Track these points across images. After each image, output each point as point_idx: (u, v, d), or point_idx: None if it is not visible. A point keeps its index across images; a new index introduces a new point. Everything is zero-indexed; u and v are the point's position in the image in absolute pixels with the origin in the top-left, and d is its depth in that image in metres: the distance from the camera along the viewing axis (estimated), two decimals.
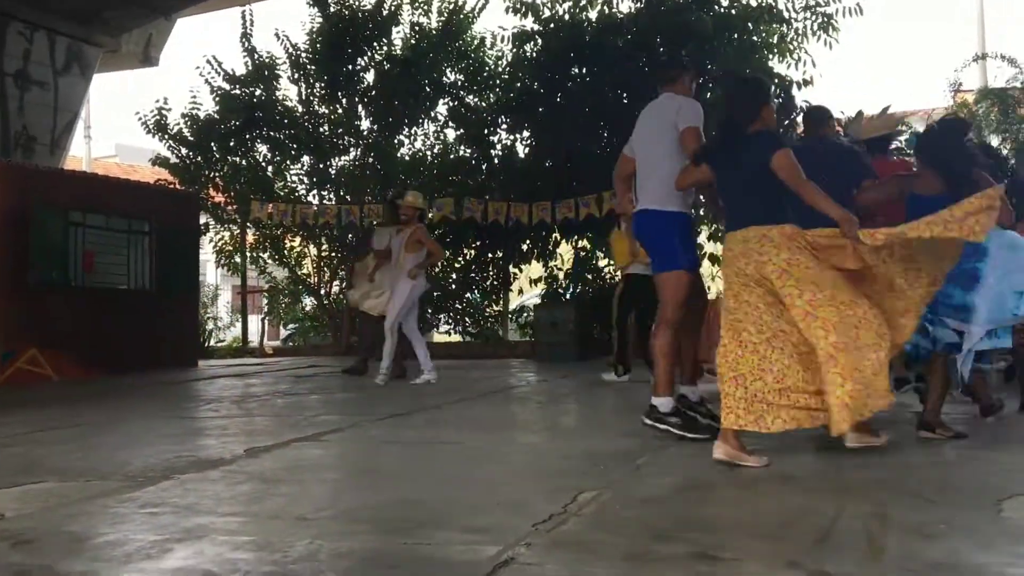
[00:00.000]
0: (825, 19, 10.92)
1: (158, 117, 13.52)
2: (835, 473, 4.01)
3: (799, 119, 11.09)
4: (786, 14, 11.07)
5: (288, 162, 14.11)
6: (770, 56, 11.09)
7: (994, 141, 10.62)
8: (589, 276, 12.44)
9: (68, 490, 3.88)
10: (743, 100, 4.39)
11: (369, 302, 8.83)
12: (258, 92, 13.56)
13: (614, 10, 11.90)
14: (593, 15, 11.87)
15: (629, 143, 5.12)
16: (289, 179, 14.31)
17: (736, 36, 10.90)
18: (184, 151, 13.71)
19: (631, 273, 8.06)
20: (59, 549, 2.92)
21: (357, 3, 13.32)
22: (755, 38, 11.02)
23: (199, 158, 13.74)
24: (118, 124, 47.12)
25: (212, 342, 15.79)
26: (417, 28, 13.46)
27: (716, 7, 11.07)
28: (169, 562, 2.76)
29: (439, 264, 11.96)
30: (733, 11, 11.04)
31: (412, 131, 13.86)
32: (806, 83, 10.95)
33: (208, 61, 13.47)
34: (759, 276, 4.09)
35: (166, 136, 13.59)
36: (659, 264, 4.93)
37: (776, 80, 10.91)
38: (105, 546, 2.97)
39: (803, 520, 3.14)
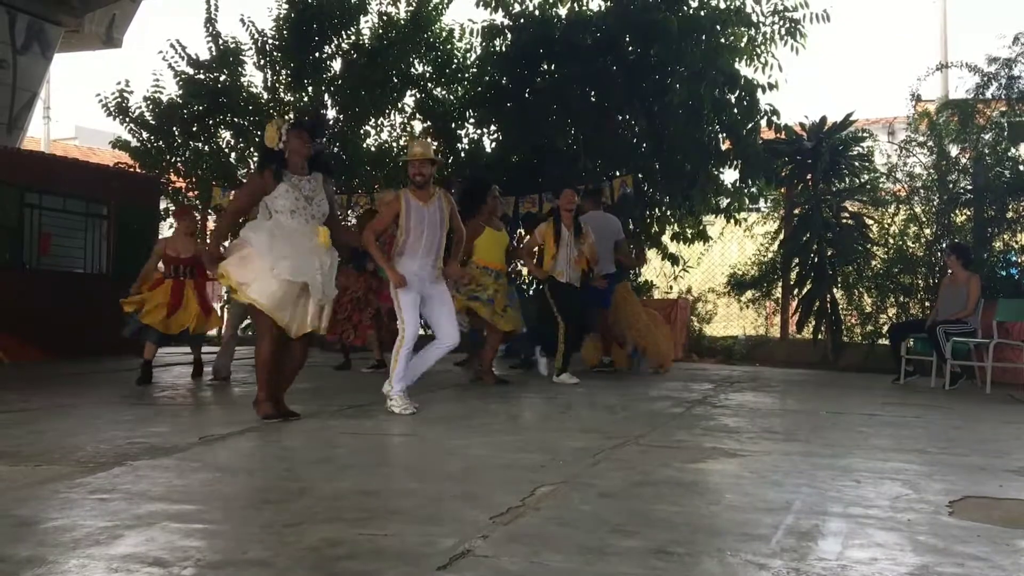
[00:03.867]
0: (792, 24, 11.02)
1: (119, 100, 13.27)
2: (788, 468, 4.06)
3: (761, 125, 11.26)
4: (754, 18, 11.15)
5: (252, 149, 13.94)
6: (736, 59, 11.17)
7: (953, 151, 10.80)
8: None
9: (16, 474, 3.80)
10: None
11: None
12: (222, 77, 13.38)
13: (583, 8, 11.92)
14: (563, 12, 11.86)
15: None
16: (252, 165, 14.15)
17: (704, 37, 10.96)
18: (145, 135, 13.47)
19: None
20: (5, 534, 2.85)
21: None
22: (722, 40, 11.08)
23: (160, 142, 13.51)
24: (79, 106, 46.14)
25: None
26: (385, 18, 13.36)
27: (684, 8, 11.12)
28: (119, 548, 2.71)
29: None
30: (702, 12, 11.10)
31: (379, 122, 13.75)
32: (771, 87, 11.04)
33: (172, 45, 13.23)
34: None
35: (127, 119, 13.34)
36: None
37: (743, 83, 10.98)
38: (53, 531, 2.91)
39: (760, 516, 3.17)
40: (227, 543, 2.79)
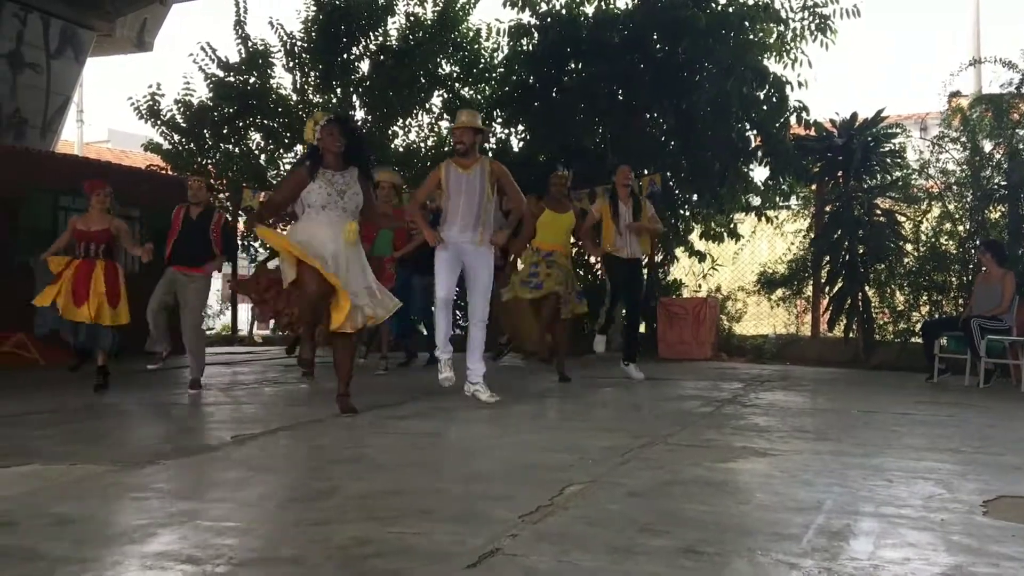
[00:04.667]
0: (822, 20, 10.92)
1: (151, 103, 13.44)
2: (819, 467, 4.02)
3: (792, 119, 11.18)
4: (783, 14, 11.07)
5: (281, 150, 14.05)
6: (765, 55, 11.10)
7: (987, 146, 10.65)
8: (580, 271, 12.44)
9: (53, 473, 3.86)
10: None
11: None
12: (252, 80, 13.51)
13: (611, 6, 11.90)
14: (590, 10, 11.86)
15: None
16: (282, 168, 14.25)
17: (732, 34, 10.90)
18: (176, 137, 13.62)
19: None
20: (42, 532, 2.90)
21: None
22: (751, 36, 11.02)
23: (191, 144, 13.67)
24: (111, 109, 46.76)
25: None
26: (412, 18, 13.42)
27: (712, 5, 11.07)
28: (152, 546, 2.75)
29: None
30: (730, 9, 11.04)
31: (406, 122, 13.82)
32: (801, 84, 10.97)
33: (202, 48, 13.40)
34: None
35: (159, 122, 13.50)
36: None
37: (772, 80, 10.91)
38: (88, 529, 2.96)
39: (791, 516, 3.14)
40: (259, 541, 2.82)
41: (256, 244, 13.69)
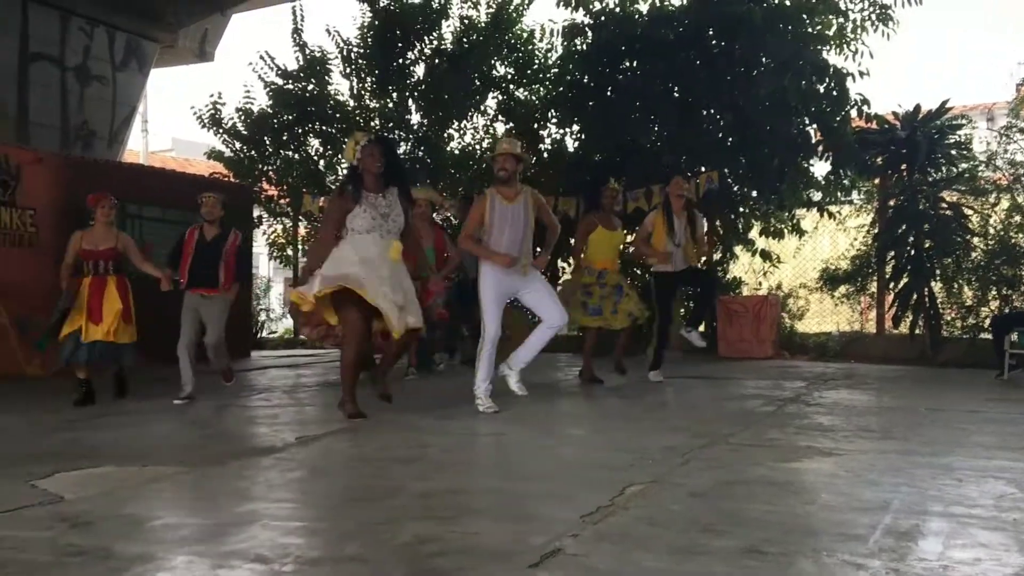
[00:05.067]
0: (882, 10, 10.72)
1: (213, 112, 13.72)
2: (885, 466, 3.95)
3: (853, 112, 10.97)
4: (842, 5, 10.89)
5: (339, 156, 14.24)
6: (824, 48, 10.92)
7: None
8: (638, 271, 12.38)
9: (125, 475, 3.98)
10: None
11: None
12: (310, 87, 13.72)
13: (665, 3, 11.82)
14: (644, 8, 11.79)
15: None
16: (340, 172, 14.44)
17: (790, 28, 10.75)
18: (238, 145, 13.89)
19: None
20: (116, 532, 2.99)
21: None
22: (809, 29, 10.85)
23: (252, 152, 13.92)
24: (175, 118, 47.87)
25: (264, 333, 16.00)
26: (466, 21, 13.50)
27: None
28: (223, 546, 2.81)
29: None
30: (787, 2, 10.89)
31: (461, 125, 13.90)
32: (862, 75, 10.76)
33: (261, 57, 13.62)
34: None
35: (220, 130, 13.78)
36: None
37: (831, 73, 10.73)
38: (161, 529, 3.04)
39: (857, 516, 3.10)
40: (324, 540, 2.87)
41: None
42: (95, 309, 6.53)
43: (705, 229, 8.18)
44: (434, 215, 8.78)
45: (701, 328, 9.12)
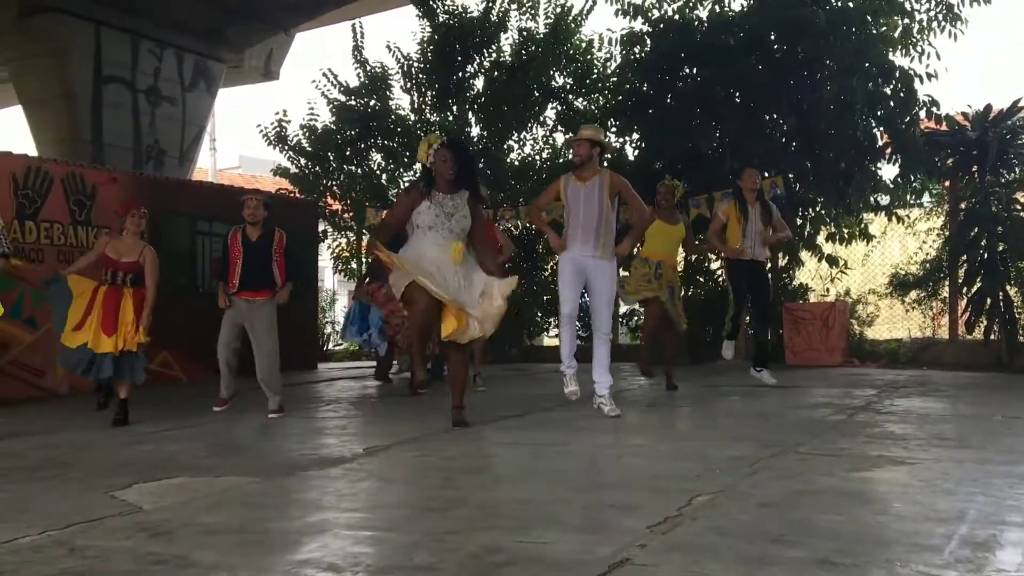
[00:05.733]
0: (949, 9, 10.49)
1: (278, 129, 14.00)
2: (960, 476, 3.85)
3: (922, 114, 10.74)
4: (907, 6, 10.69)
5: (401, 170, 14.40)
6: (890, 50, 10.72)
7: None
8: (701, 279, 12.27)
9: (200, 484, 4.08)
10: None
11: None
12: (372, 102, 13.92)
13: (725, 8, 11.73)
14: (703, 14, 11.72)
15: None
16: (402, 186, 14.62)
17: (854, 30, 10.58)
18: (303, 161, 14.15)
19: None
20: (194, 540, 3.07)
21: (465, 12, 13.52)
22: (874, 31, 10.67)
23: (317, 167, 14.16)
24: (241, 136, 48.98)
25: (330, 346, 16.25)
26: (525, 33, 13.57)
27: (832, 1, 10.79)
28: (296, 555, 2.88)
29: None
30: (851, 4, 10.73)
31: (521, 136, 13.96)
32: (929, 77, 10.54)
33: (324, 74, 13.89)
34: None
35: (286, 147, 14.05)
36: None
37: (898, 75, 10.53)
38: (236, 538, 3.11)
39: (931, 526, 3.03)
40: (394, 549, 2.91)
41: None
42: (108, 321, 6.32)
43: (779, 216, 8.17)
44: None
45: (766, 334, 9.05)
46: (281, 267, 6.95)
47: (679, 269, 9.20)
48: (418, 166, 14.07)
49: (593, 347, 6.45)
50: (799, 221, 11.56)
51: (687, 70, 11.70)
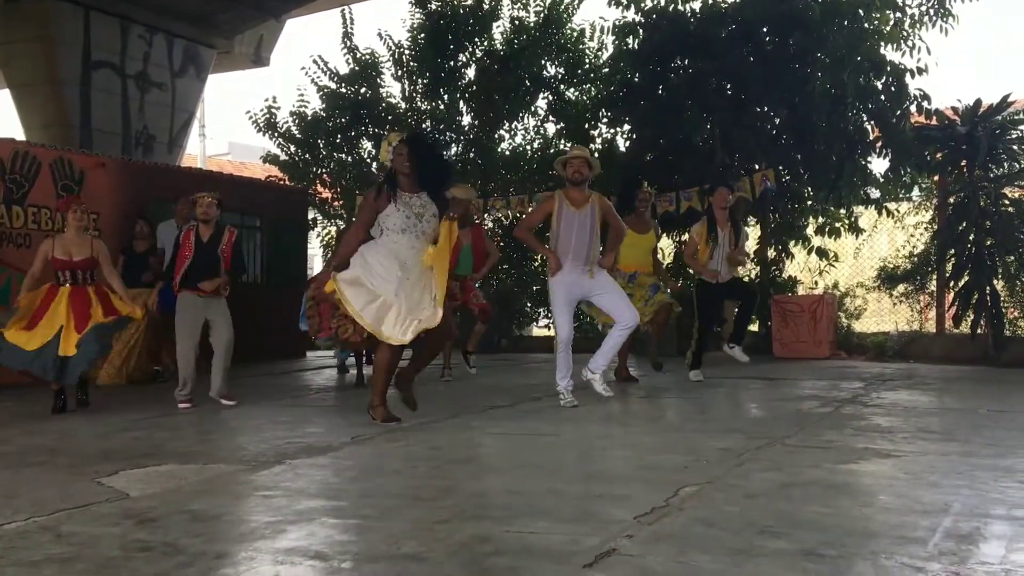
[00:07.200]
0: (938, 4, 10.52)
1: (268, 116, 13.94)
2: (945, 468, 3.88)
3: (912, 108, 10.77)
4: (899, 1, 10.71)
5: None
6: (882, 44, 10.74)
7: None
8: (691, 271, 12.29)
9: (188, 472, 4.07)
10: None
11: None
12: (362, 90, 13.86)
13: (718, 0, 11.72)
14: (696, 5, 11.71)
15: None
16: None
17: (846, 23, 10.59)
18: (293, 148, 14.10)
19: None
20: (180, 528, 3.07)
21: (457, 0, 13.47)
22: (866, 25, 10.68)
23: (307, 155, 14.11)
24: (231, 123, 48.79)
25: None
26: (517, 22, 13.53)
27: None
28: (283, 542, 2.88)
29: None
30: None
31: (512, 126, 13.94)
32: (920, 71, 10.57)
33: (314, 61, 13.82)
34: None
35: (276, 134, 14.00)
36: None
37: (889, 69, 10.55)
38: (223, 526, 3.11)
39: (916, 519, 3.05)
40: (381, 538, 2.91)
41: None
42: (81, 322, 6.16)
43: (746, 240, 8.23)
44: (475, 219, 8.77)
45: (753, 325, 9.09)
46: (227, 262, 6.78)
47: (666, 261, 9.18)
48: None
49: (609, 335, 6.54)
50: (789, 217, 11.59)
51: (679, 61, 11.70)
